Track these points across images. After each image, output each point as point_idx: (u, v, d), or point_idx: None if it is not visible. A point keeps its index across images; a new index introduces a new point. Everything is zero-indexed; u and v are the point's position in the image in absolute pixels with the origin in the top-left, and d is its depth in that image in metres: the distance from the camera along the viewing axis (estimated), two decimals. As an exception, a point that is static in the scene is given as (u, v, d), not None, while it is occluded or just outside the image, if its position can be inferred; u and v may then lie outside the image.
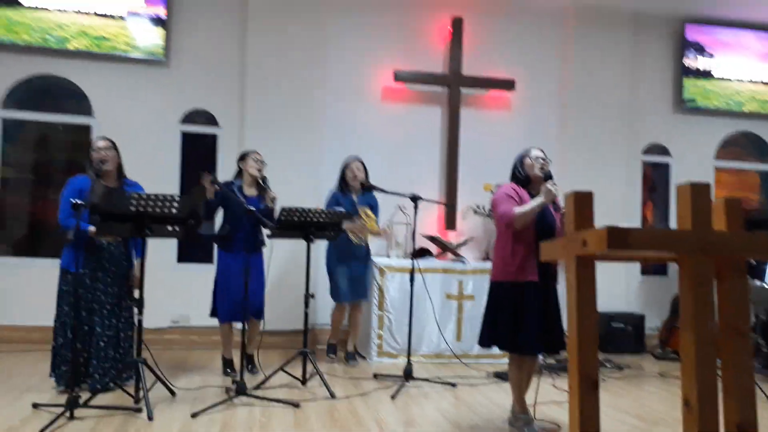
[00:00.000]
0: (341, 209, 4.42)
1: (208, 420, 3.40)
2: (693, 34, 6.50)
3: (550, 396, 4.17)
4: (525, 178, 3.39)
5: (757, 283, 5.12)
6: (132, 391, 3.65)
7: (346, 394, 4.06)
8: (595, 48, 6.18)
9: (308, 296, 4.21)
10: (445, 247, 5.52)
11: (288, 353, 4.75)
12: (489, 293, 3.38)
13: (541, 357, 5.28)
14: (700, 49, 6.53)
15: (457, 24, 5.92)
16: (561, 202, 3.28)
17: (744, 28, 6.57)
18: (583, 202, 2.02)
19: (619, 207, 6.14)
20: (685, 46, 6.47)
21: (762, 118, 6.67)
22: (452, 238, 5.80)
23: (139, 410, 3.44)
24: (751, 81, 6.61)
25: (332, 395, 3.95)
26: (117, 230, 3.57)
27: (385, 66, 5.87)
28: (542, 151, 3.44)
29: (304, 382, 4.20)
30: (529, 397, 3.43)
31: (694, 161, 6.57)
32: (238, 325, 5.01)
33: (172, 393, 3.83)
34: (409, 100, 5.98)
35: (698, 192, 1.83)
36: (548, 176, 3.31)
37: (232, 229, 4.33)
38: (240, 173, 4.48)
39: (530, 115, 6.20)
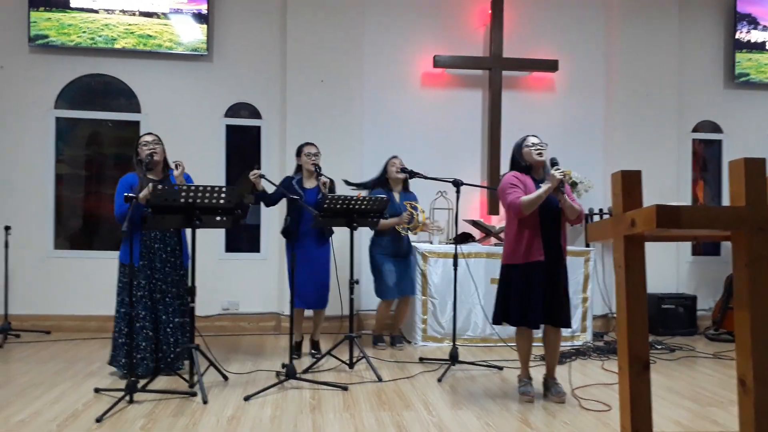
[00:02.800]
0: (382, 195, 4.44)
1: (260, 403, 3.51)
2: (744, 5, 6.23)
3: (599, 378, 4.13)
4: (527, 165, 3.63)
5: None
6: (187, 376, 3.80)
7: (392, 377, 4.11)
8: (641, 24, 6.00)
9: (353, 282, 4.27)
10: (488, 232, 5.50)
11: (334, 338, 4.84)
12: (500, 275, 3.67)
13: (590, 338, 5.24)
14: (752, 21, 6.26)
15: (497, 6, 5.83)
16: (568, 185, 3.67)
17: (800, -4, 6.27)
18: (630, 181, 1.99)
19: (669, 186, 5.98)
20: (736, 18, 6.22)
21: (821, 89, 6.37)
22: (495, 222, 5.76)
23: (194, 394, 3.58)
24: (808, 51, 6.30)
25: (379, 378, 4.01)
26: (168, 222, 3.69)
27: (424, 52, 5.84)
28: (537, 138, 3.66)
29: (351, 365, 4.28)
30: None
31: (748, 137, 6.34)
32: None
33: (225, 377, 3.96)
34: (450, 85, 5.94)
35: (752, 167, 1.78)
36: (554, 162, 3.50)
37: (293, 221, 4.44)
38: (300, 168, 4.64)
39: (575, 95, 6.09)
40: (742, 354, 1.75)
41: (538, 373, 3.97)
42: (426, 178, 4.63)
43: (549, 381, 3.72)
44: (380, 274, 4.91)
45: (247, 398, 3.56)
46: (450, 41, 5.90)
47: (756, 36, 6.26)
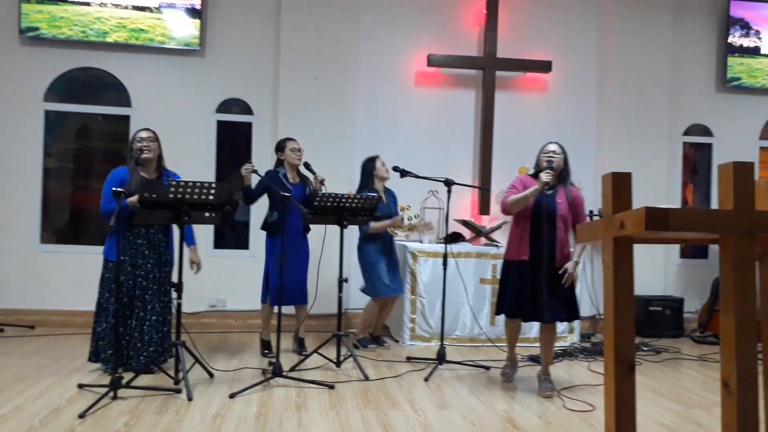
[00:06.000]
0: (373, 194, 4.43)
1: (245, 400, 3.49)
2: (738, 10, 6.26)
3: (585, 379, 4.14)
4: (537, 170, 3.80)
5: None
6: (172, 372, 3.76)
7: (379, 376, 4.10)
8: (635, 26, 6.01)
9: (342, 281, 4.25)
10: (478, 232, 5.49)
11: (321, 336, 4.82)
12: (501, 269, 3.95)
13: (577, 339, 5.25)
14: (745, 26, 6.29)
15: (492, 6, 5.83)
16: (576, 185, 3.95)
17: (792, 3, 6.32)
18: (620, 183, 1.98)
19: (660, 189, 6.01)
20: (729, 22, 6.25)
21: (811, 95, 6.42)
22: (486, 222, 5.76)
23: (179, 391, 3.55)
24: (799, 57, 6.35)
25: (366, 377, 4.00)
26: (156, 217, 3.65)
27: (418, 51, 5.83)
28: (558, 145, 3.81)
29: (338, 364, 4.26)
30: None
31: (738, 141, 6.38)
32: (286, 309, 5.13)
33: (211, 375, 3.94)
34: (443, 85, 5.94)
35: (741, 171, 1.78)
36: (548, 167, 3.68)
37: (279, 215, 4.41)
38: (281, 162, 4.58)
39: (568, 97, 6.10)
40: (726, 357, 1.75)
41: (532, 371, 3.97)
42: (417, 177, 4.62)
43: (541, 376, 3.84)
44: (375, 272, 4.82)
45: (232, 396, 3.53)
46: (444, 40, 5.89)
47: (748, 40, 6.30)
